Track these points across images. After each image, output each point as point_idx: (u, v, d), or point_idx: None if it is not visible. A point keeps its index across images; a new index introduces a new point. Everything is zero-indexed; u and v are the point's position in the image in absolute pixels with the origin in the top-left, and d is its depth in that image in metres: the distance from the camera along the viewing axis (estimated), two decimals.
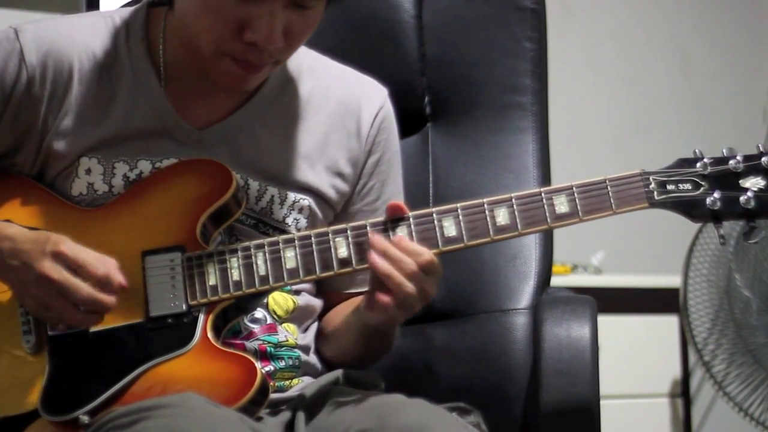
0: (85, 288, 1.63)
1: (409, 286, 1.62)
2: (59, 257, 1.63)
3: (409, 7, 2.14)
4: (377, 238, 1.65)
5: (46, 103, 1.74)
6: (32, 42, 1.74)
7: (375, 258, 1.63)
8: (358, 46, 2.13)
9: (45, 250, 1.63)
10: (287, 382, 1.77)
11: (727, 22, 4.54)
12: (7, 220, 1.72)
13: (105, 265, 1.64)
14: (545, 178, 2.06)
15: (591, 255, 3.94)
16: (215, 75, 1.72)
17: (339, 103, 1.84)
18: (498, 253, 2.00)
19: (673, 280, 3.65)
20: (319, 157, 1.81)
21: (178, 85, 1.77)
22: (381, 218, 1.68)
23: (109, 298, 1.64)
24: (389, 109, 1.88)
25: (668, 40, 4.43)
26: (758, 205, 1.65)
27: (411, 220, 1.67)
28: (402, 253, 1.63)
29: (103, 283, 1.63)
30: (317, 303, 1.84)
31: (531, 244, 2.01)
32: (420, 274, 1.63)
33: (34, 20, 1.79)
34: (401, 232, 1.66)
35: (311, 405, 1.70)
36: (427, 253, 1.64)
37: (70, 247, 1.64)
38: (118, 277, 1.64)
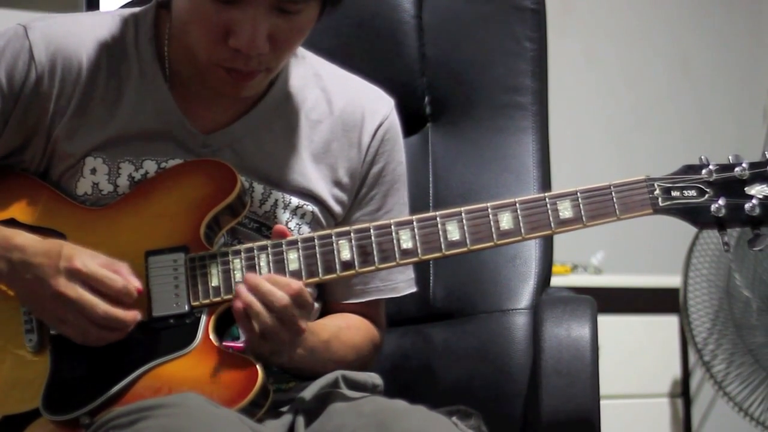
0: (101, 306, 1.62)
1: (267, 316, 1.62)
2: (74, 274, 1.62)
3: (409, 7, 2.14)
4: (251, 275, 1.64)
5: (55, 101, 1.74)
6: (41, 40, 1.73)
7: (240, 287, 1.63)
8: (358, 47, 2.13)
9: (59, 267, 1.63)
10: (284, 385, 1.77)
11: (727, 22, 4.53)
12: (12, 219, 1.73)
13: (120, 275, 1.63)
14: (545, 178, 2.06)
15: (591, 255, 3.94)
16: (212, 83, 1.72)
17: (342, 112, 1.83)
18: (498, 253, 2.00)
19: (673, 280, 3.65)
20: (320, 165, 1.81)
21: (184, 87, 1.77)
22: (385, 221, 1.68)
23: (128, 314, 1.63)
24: (394, 120, 1.87)
25: (668, 40, 4.43)
26: (763, 213, 1.64)
27: (414, 223, 1.67)
28: (272, 286, 1.63)
29: (121, 296, 1.63)
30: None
31: (531, 244, 2.01)
32: (290, 306, 1.62)
33: (43, 17, 1.78)
34: (404, 235, 1.66)
35: (311, 408, 1.69)
36: (295, 283, 1.63)
37: (84, 262, 1.63)
38: (135, 282, 1.64)
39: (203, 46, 1.68)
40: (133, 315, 1.64)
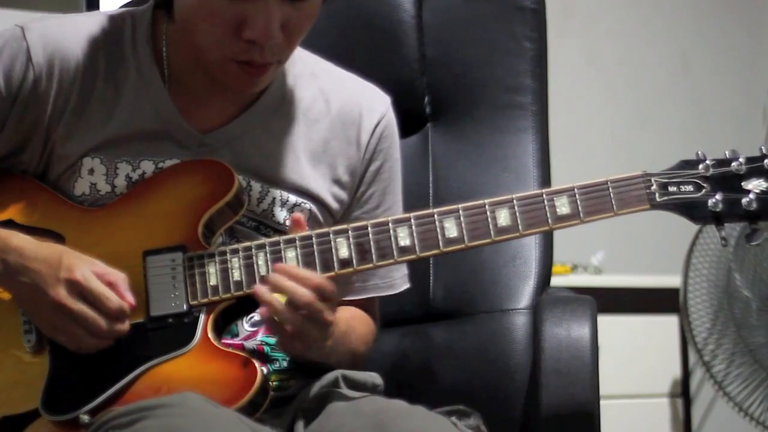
0: (102, 321, 1.63)
1: (293, 316, 1.61)
2: (74, 286, 1.63)
3: (409, 7, 2.14)
4: (272, 275, 1.63)
5: (52, 101, 1.74)
6: (39, 41, 1.73)
7: (259, 289, 1.63)
8: (358, 46, 2.13)
9: (59, 277, 1.63)
10: (284, 383, 1.77)
11: (727, 22, 4.54)
12: (10, 220, 1.73)
13: (117, 289, 1.64)
14: (545, 178, 2.06)
15: (591, 255, 3.94)
16: (223, 80, 1.73)
17: (340, 111, 1.84)
18: (498, 253, 2.00)
19: (673, 280, 3.65)
20: (318, 164, 1.81)
21: (182, 87, 1.77)
22: (383, 219, 1.68)
23: (124, 327, 1.65)
24: (391, 118, 1.88)
25: (668, 40, 4.44)
26: (760, 207, 1.64)
27: (412, 221, 1.67)
28: (290, 281, 1.62)
29: (117, 314, 1.63)
30: None
31: (531, 244, 2.01)
32: (315, 302, 1.61)
33: (41, 18, 1.78)
34: (402, 233, 1.66)
35: (310, 408, 1.69)
36: (316, 276, 1.63)
37: (84, 275, 1.63)
38: (129, 298, 1.64)
39: (215, 42, 1.68)
40: (126, 327, 1.65)
